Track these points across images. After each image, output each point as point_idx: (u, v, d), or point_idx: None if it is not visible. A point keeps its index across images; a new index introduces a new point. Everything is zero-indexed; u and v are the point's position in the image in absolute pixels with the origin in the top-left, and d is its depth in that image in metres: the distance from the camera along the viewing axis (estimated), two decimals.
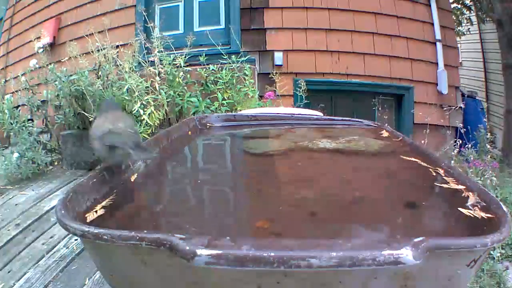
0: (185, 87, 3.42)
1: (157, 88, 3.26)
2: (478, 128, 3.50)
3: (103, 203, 0.84)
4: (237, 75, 3.48)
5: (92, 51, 3.34)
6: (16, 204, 2.77)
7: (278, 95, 3.48)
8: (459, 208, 0.79)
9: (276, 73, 3.65)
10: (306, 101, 3.44)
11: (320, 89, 3.54)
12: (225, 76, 3.43)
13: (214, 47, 3.82)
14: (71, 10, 4.64)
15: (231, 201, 0.99)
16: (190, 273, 0.60)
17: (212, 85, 3.47)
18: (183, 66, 3.41)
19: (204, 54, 3.58)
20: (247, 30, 3.90)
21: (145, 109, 3.08)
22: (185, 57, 3.42)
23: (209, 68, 3.55)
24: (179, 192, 1.06)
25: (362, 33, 4.15)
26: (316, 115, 1.99)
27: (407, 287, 0.60)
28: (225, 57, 3.55)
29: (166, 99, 3.22)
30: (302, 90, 3.42)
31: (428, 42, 4.27)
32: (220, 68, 3.54)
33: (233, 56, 3.52)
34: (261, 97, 3.57)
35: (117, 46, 3.35)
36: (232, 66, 3.49)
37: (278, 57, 4.01)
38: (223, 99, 3.38)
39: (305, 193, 0.98)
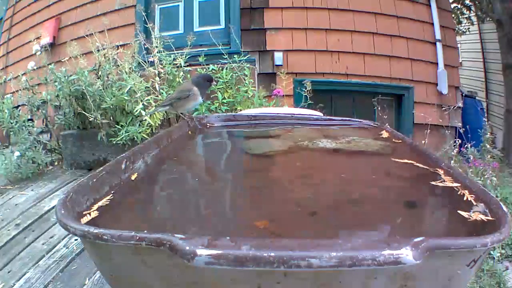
0: None
1: (157, 89, 3.26)
2: (483, 127, 3.50)
3: (103, 203, 0.84)
4: (236, 74, 3.48)
5: (92, 51, 3.35)
6: (16, 204, 2.77)
7: (281, 95, 3.48)
8: (458, 208, 0.79)
9: (279, 73, 3.66)
10: (307, 101, 3.44)
11: (320, 89, 3.55)
12: (225, 75, 3.43)
13: (214, 47, 3.82)
14: (71, 10, 4.64)
15: (231, 201, 0.99)
16: (190, 273, 0.60)
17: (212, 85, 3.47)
18: (183, 66, 3.41)
19: (203, 54, 3.58)
20: (247, 30, 3.91)
21: (146, 110, 3.08)
22: (185, 57, 3.42)
23: (209, 68, 3.55)
24: (179, 192, 1.06)
25: (362, 33, 4.15)
26: (316, 115, 2.00)
27: (407, 287, 0.60)
28: (225, 57, 3.55)
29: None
30: (306, 90, 3.43)
31: (428, 42, 4.27)
32: (220, 68, 3.54)
33: (235, 56, 3.52)
34: (265, 97, 3.57)
35: (117, 47, 3.35)
36: (232, 65, 3.49)
37: (278, 57, 4.01)
38: (223, 98, 3.38)
39: (305, 193, 0.98)
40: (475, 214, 0.73)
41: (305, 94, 3.44)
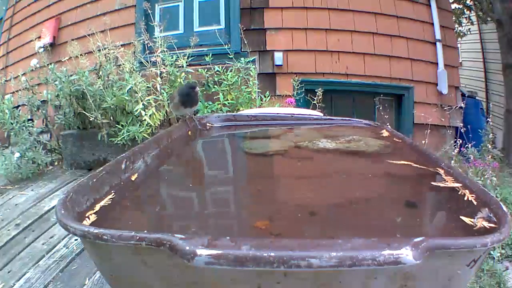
0: None
1: (158, 89, 3.26)
2: (484, 127, 3.50)
3: (103, 203, 0.84)
4: (241, 76, 3.48)
5: (93, 51, 3.35)
6: (16, 204, 2.77)
7: (294, 105, 3.46)
8: (459, 209, 0.79)
9: (292, 80, 3.65)
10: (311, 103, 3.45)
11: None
12: (231, 78, 3.42)
13: (214, 47, 3.82)
14: (71, 10, 4.64)
15: (231, 201, 1.00)
16: (190, 273, 0.60)
17: (215, 86, 3.47)
18: (185, 66, 3.41)
19: (210, 54, 3.58)
20: (247, 30, 3.90)
21: (146, 110, 3.08)
22: (187, 57, 3.42)
23: (213, 68, 3.54)
24: (179, 192, 1.06)
25: (362, 33, 4.15)
26: (316, 115, 2.00)
27: (407, 287, 0.60)
28: (229, 57, 3.54)
29: (167, 100, 3.22)
30: (317, 98, 3.42)
31: (428, 42, 4.26)
32: (224, 69, 3.53)
33: (242, 59, 3.52)
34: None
35: (118, 46, 3.35)
36: (237, 66, 3.49)
37: (278, 57, 4.00)
38: (226, 99, 3.37)
39: (305, 193, 0.98)
40: (479, 221, 0.72)
41: (312, 100, 3.44)
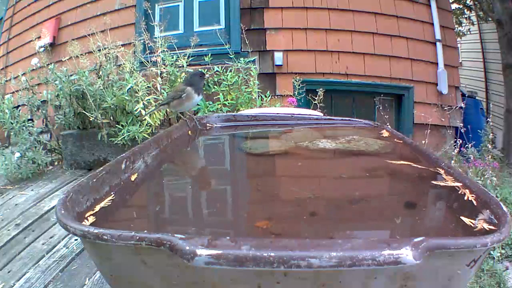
0: None
1: (159, 89, 3.26)
2: (484, 127, 3.51)
3: (103, 203, 0.84)
4: (241, 76, 3.48)
5: (93, 51, 3.35)
6: (16, 204, 2.77)
7: (295, 105, 3.47)
8: (459, 209, 0.79)
9: (293, 81, 3.66)
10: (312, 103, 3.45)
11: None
12: (231, 78, 3.42)
13: (214, 47, 3.82)
14: (71, 10, 4.65)
15: (231, 201, 0.99)
16: (190, 273, 0.60)
17: (215, 86, 3.47)
18: (185, 66, 3.41)
19: (210, 54, 3.58)
20: (247, 30, 3.91)
21: (146, 109, 3.09)
22: (188, 57, 3.42)
23: (213, 68, 3.54)
24: (179, 192, 1.06)
25: (362, 33, 4.15)
26: (316, 115, 2.00)
27: (407, 287, 0.60)
28: (229, 57, 3.55)
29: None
30: (318, 97, 3.42)
31: (428, 42, 4.27)
32: (224, 69, 3.53)
33: (241, 59, 3.53)
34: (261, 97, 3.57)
35: (118, 46, 3.35)
36: (238, 66, 3.49)
37: (278, 57, 4.01)
38: (226, 99, 3.37)
39: (305, 193, 0.98)
40: (479, 223, 0.72)
41: (313, 100, 3.44)
